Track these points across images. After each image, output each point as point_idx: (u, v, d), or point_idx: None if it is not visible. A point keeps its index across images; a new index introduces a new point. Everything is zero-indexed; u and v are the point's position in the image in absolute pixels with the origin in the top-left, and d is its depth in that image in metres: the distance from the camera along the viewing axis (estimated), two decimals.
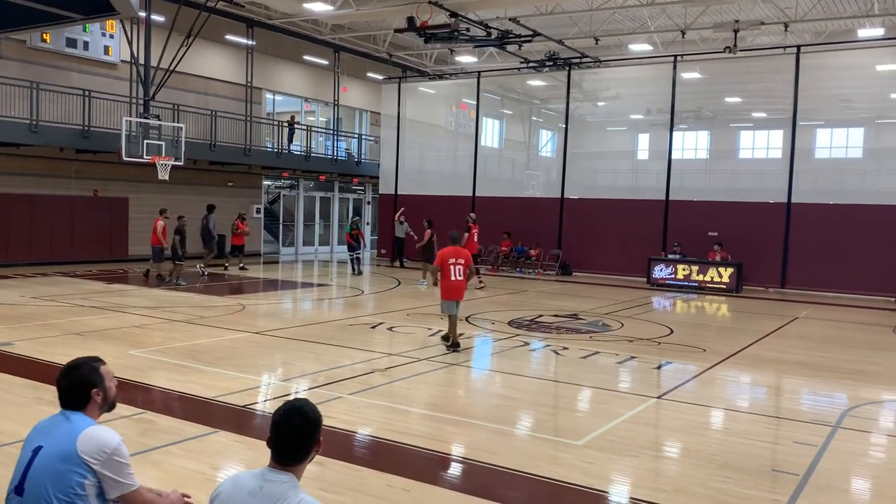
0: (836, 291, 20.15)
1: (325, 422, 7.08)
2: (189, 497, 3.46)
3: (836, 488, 5.79)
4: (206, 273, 20.08)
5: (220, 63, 26.67)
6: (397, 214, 24.18)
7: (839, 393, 9.25)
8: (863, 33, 23.61)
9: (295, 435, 2.76)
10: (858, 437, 7.33)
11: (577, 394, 8.85)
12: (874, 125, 24.53)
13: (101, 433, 3.18)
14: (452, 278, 10.89)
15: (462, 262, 10.97)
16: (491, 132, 31.39)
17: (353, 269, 22.33)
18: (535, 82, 28.39)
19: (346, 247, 23.89)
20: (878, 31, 23.21)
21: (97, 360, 3.40)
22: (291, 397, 8.16)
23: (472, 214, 20.78)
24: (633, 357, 10.71)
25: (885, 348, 12.46)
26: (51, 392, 7.97)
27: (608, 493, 5.60)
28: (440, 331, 12.32)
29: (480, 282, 19.29)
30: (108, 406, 3.40)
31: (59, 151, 21.47)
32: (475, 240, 19.45)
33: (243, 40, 26.19)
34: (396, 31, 21.58)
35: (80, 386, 3.28)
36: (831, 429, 7.32)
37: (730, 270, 20.46)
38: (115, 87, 22.55)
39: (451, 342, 10.81)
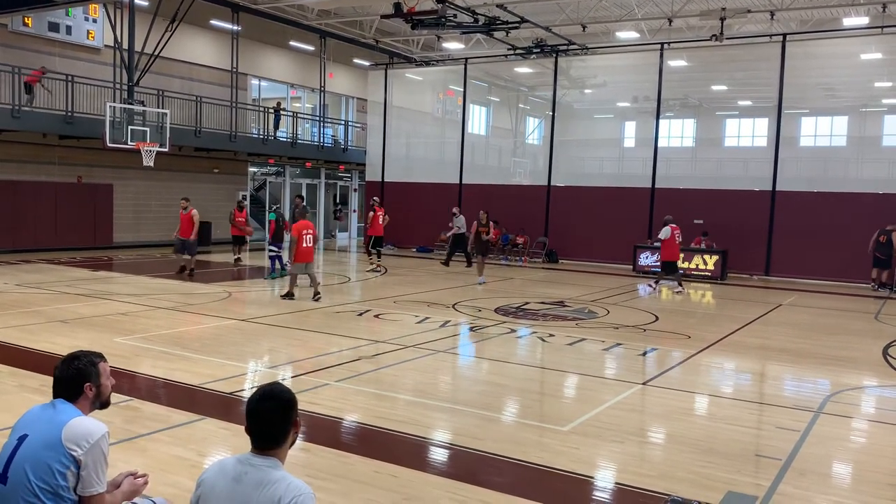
0: (819, 279, 20.34)
1: (313, 409, 7.07)
2: (137, 475, 3.47)
3: (818, 473, 5.86)
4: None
5: (205, 48, 26.44)
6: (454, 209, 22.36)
7: (822, 379, 9.35)
8: (848, 22, 23.70)
9: (269, 418, 2.77)
10: (840, 422, 7.41)
11: (563, 380, 8.89)
12: (858, 114, 24.68)
13: (87, 423, 3.18)
14: (304, 245, 13.66)
15: (311, 233, 13.90)
16: (478, 119, 31.33)
17: (273, 270, 17.40)
18: (523, 69, 28.34)
19: (283, 238, 17.76)
20: (863, 20, 23.30)
21: (97, 356, 3.41)
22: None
23: (375, 198, 21.18)
24: (618, 344, 10.77)
25: (867, 335, 12.59)
26: (34, 379, 7.94)
27: (594, 479, 5.65)
28: (427, 318, 12.35)
29: (379, 266, 19.63)
30: (101, 403, 3.40)
31: (42, 137, 21.25)
32: (379, 222, 19.85)
33: (228, 25, 25.94)
34: (383, 16, 21.45)
35: (74, 378, 3.29)
36: (814, 414, 7.40)
37: (715, 258, 20.59)
38: (98, 73, 22.30)
39: (288, 293, 13.81)
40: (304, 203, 18.95)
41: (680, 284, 17.61)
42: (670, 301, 16.87)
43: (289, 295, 13.87)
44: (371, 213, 20.22)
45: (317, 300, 13.65)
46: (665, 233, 17.24)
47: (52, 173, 21.96)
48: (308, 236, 13.80)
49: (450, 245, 21.03)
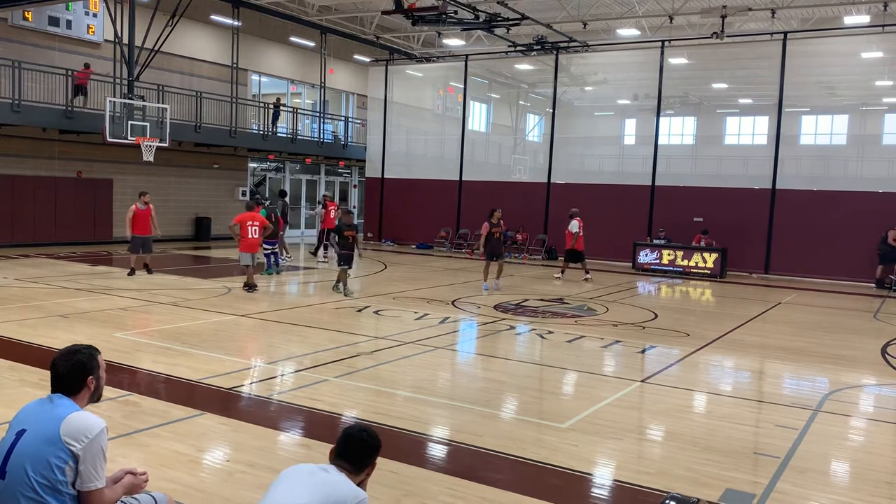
0: (819, 277, 20.35)
1: (312, 405, 7.06)
2: (137, 472, 3.48)
3: (816, 471, 5.87)
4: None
5: (206, 44, 26.41)
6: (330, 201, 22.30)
7: (820, 377, 9.36)
8: (849, 20, 23.68)
9: (358, 445, 3.37)
10: (839, 420, 7.42)
11: (561, 377, 8.90)
12: (858, 112, 24.68)
13: (86, 417, 3.17)
14: (250, 236, 14.10)
15: (257, 224, 14.22)
16: (478, 116, 31.32)
17: (269, 266, 17.27)
18: (523, 66, 28.31)
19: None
20: (864, 19, 23.29)
21: (94, 349, 3.39)
22: (277, 379, 8.18)
23: (326, 193, 21.64)
24: (617, 341, 10.78)
25: (866, 333, 12.60)
26: (34, 374, 7.93)
27: (592, 475, 5.66)
28: (426, 314, 12.36)
29: (326, 257, 20.71)
30: (97, 397, 3.38)
31: (41, 132, 21.23)
32: (332, 216, 20.68)
33: (229, 20, 25.90)
34: (384, 12, 21.38)
35: (77, 371, 3.27)
36: (812, 412, 7.42)
37: (714, 256, 20.59)
38: (98, 67, 22.27)
39: (248, 285, 14.00)
40: (286, 199, 19.67)
41: (587, 272, 18.55)
42: (669, 299, 16.88)
43: (250, 287, 14.05)
44: (322, 209, 21.16)
45: (248, 290, 14.05)
46: (574, 226, 18.42)
47: (51, 168, 21.95)
48: (253, 227, 14.15)
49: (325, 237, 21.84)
